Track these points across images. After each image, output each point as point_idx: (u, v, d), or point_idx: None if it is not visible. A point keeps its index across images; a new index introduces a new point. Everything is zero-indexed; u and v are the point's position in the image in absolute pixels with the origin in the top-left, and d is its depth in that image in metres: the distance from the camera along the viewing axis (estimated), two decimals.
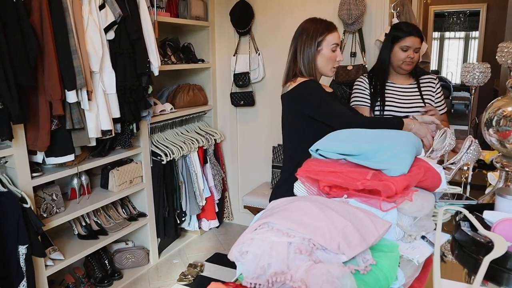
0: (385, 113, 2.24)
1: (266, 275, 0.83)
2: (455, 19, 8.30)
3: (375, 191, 1.12)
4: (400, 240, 1.18)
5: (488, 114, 1.45)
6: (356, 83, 2.38)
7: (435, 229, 1.23)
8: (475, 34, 9.06)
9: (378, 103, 2.24)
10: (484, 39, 6.92)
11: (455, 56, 9.54)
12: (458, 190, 1.65)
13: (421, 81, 2.29)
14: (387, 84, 2.29)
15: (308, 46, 1.88)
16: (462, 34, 9.19)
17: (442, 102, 2.32)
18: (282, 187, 1.93)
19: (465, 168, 1.84)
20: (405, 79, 2.30)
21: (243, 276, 0.90)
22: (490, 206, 1.33)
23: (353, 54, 3.11)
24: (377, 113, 2.25)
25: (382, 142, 1.21)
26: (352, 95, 2.37)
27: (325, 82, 3.21)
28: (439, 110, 2.27)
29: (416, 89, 2.26)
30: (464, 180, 1.81)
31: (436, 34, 8.42)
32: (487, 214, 1.27)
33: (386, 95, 2.26)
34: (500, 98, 1.47)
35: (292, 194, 1.55)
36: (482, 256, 1.06)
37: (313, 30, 1.89)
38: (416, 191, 1.13)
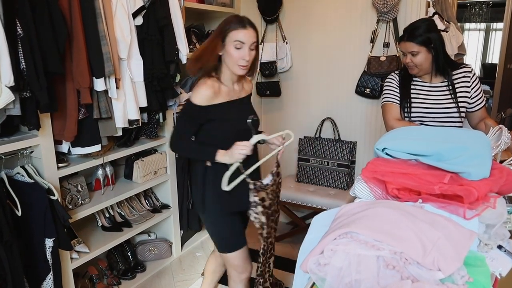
0: (413, 114, 2.12)
1: None
2: (477, 9, 8.08)
3: (452, 196, 1.02)
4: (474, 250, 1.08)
5: None
6: (387, 79, 2.27)
7: (510, 238, 1.13)
8: (496, 25, 8.82)
9: (406, 103, 2.13)
10: (509, 31, 6.71)
11: (474, 49, 9.31)
12: None
13: (454, 76, 2.12)
14: (416, 82, 2.16)
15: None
16: (482, 25, 8.96)
17: (480, 95, 2.15)
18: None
19: None
20: (434, 77, 2.14)
21: None
22: None
23: (387, 45, 2.98)
24: (405, 113, 2.14)
25: (457, 141, 1.11)
26: (383, 92, 2.26)
27: (357, 73, 3.10)
28: (477, 105, 2.14)
29: (447, 88, 2.11)
30: None
31: None
32: None
33: (413, 94, 2.13)
34: None
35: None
36: None
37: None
38: (498, 197, 1.03)
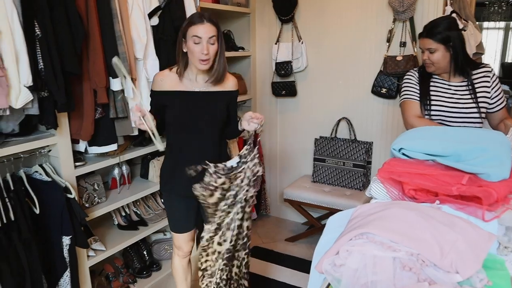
0: (433, 112, 2.08)
1: None
2: (496, 8, 7.94)
3: (470, 197, 1.00)
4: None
5: None
6: (406, 76, 2.23)
7: None
8: None
9: (426, 100, 2.10)
10: None
11: (493, 47, 9.15)
12: None
13: (474, 76, 2.08)
14: (435, 80, 2.12)
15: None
16: (502, 24, 8.80)
17: (500, 96, 2.10)
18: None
19: None
20: (453, 76, 2.10)
21: None
22: None
23: (403, 44, 2.94)
24: (425, 111, 2.10)
25: (476, 142, 1.09)
26: (402, 89, 2.22)
27: (373, 73, 3.07)
28: (497, 105, 2.09)
29: (467, 88, 2.07)
30: None
31: None
32: None
33: (433, 92, 2.10)
34: None
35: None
36: None
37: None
38: None
